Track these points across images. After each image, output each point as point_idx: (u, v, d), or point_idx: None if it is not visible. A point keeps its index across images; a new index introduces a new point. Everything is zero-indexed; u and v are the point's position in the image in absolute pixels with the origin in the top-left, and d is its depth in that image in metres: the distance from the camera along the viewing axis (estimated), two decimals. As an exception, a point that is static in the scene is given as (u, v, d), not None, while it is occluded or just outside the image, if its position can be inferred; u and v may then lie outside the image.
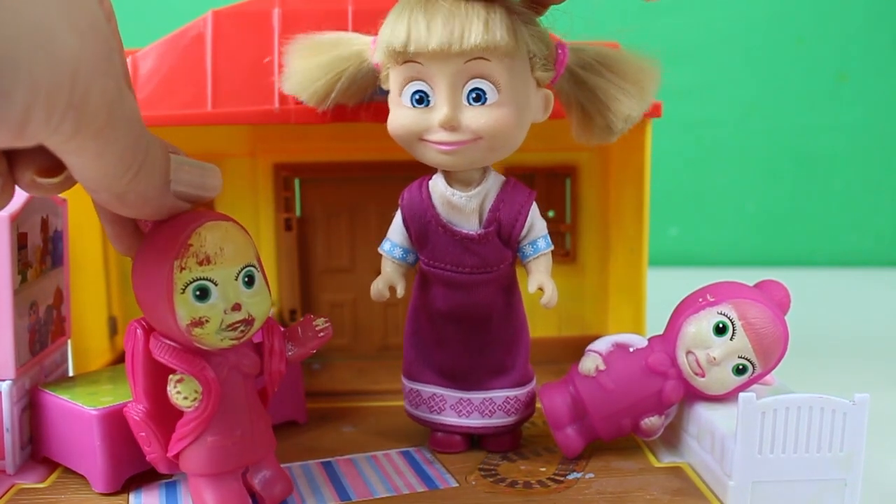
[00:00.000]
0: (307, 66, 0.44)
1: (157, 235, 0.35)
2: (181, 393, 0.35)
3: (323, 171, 0.60)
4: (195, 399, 0.35)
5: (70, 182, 0.30)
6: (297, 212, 0.61)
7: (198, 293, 0.34)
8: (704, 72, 1.07)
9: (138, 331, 0.37)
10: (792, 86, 1.09)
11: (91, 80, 0.26)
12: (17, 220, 0.41)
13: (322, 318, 0.40)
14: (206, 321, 0.34)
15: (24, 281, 0.42)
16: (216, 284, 0.34)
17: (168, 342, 0.36)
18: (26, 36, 0.23)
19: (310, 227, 0.61)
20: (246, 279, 0.35)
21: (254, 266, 0.36)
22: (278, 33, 0.50)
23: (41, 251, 0.45)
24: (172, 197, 0.32)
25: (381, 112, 0.48)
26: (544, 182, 0.61)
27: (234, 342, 0.36)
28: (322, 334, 0.40)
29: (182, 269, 0.33)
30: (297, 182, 0.61)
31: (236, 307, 0.35)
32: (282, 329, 0.39)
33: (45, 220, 0.45)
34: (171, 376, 0.36)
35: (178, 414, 0.37)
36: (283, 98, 0.50)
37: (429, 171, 0.43)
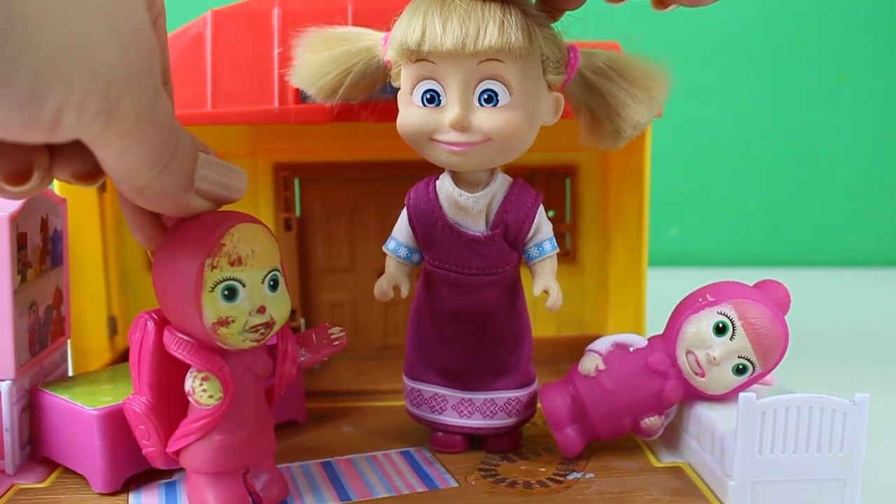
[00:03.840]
0: (316, 59, 0.44)
1: (185, 231, 0.34)
2: (207, 391, 0.35)
3: (323, 171, 0.60)
4: (219, 398, 0.36)
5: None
6: (297, 211, 0.61)
7: (226, 293, 0.34)
8: (704, 72, 1.07)
9: (149, 323, 0.37)
10: (792, 86, 1.09)
11: (125, 88, 0.26)
12: (16, 220, 0.41)
13: (338, 327, 0.41)
14: (232, 321, 0.34)
15: (24, 281, 0.42)
16: (244, 286, 0.34)
17: (185, 338, 0.35)
18: (68, 49, 0.24)
19: (309, 227, 0.61)
20: (271, 283, 0.36)
21: (278, 270, 0.36)
22: (278, 33, 0.50)
23: (41, 251, 0.44)
24: (194, 195, 0.33)
25: (382, 111, 0.48)
26: (544, 182, 0.61)
27: (254, 344, 0.36)
28: (336, 343, 0.40)
29: (213, 267, 0.34)
30: (296, 182, 0.61)
31: (261, 310, 0.35)
32: (295, 334, 0.39)
33: (45, 219, 0.45)
34: (195, 373, 0.36)
35: (181, 409, 0.37)
36: (283, 98, 0.50)
37: (429, 171, 0.43)
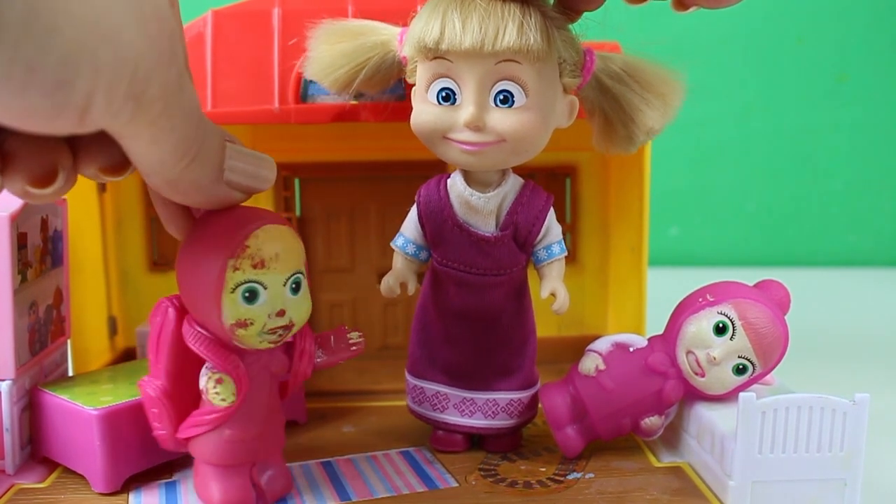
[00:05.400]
0: (331, 52, 0.43)
1: (211, 227, 0.34)
2: (220, 394, 0.36)
3: (323, 171, 0.60)
4: (231, 401, 0.36)
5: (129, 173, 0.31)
6: (297, 211, 0.61)
7: (247, 295, 0.34)
8: (704, 72, 1.07)
9: (170, 310, 0.36)
10: (792, 86, 1.09)
11: (152, 71, 0.26)
12: (17, 220, 0.41)
13: (356, 332, 0.40)
14: (251, 323, 0.34)
15: (24, 281, 0.42)
16: (265, 289, 0.34)
17: (203, 332, 0.35)
18: (92, 30, 0.23)
19: (309, 227, 0.61)
20: (293, 286, 0.35)
21: (301, 273, 0.36)
22: (278, 33, 0.50)
23: (41, 251, 0.44)
24: (225, 186, 0.32)
25: (382, 111, 0.48)
26: (544, 182, 0.61)
27: (272, 345, 0.36)
28: (354, 348, 0.40)
29: (236, 269, 0.33)
30: (296, 182, 0.61)
31: (280, 313, 0.35)
32: (314, 334, 0.39)
33: (45, 220, 0.45)
34: (210, 374, 0.36)
35: (194, 396, 0.37)
36: (283, 98, 0.50)
37: (430, 171, 0.43)
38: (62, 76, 0.23)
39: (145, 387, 0.37)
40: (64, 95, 0.23)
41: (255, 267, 0.34)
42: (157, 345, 0.37)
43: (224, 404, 0.36)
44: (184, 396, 0.38)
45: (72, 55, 0.23)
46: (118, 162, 0.30)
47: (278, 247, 0.35)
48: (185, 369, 0.37)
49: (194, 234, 0.35)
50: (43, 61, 0.23)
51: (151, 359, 0.37)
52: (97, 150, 0.29)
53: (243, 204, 0.35)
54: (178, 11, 0.32)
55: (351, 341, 0.40)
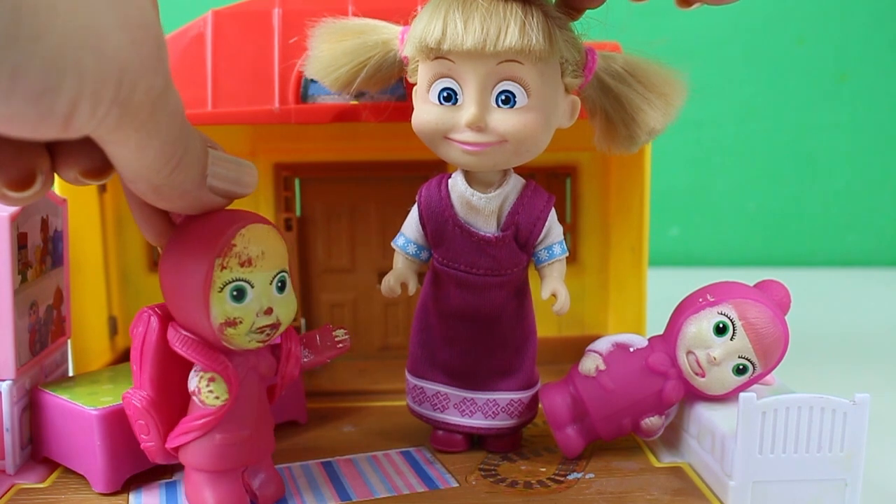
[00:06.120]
0: (332, 51, 0.43)
1: (195, 230, 0.34)
2: (213, 392, 0.35)
3: (323, 171, 0.60)
4: (224, 399, 0.36)
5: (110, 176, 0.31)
6: (298, 212, 0.61)
7: (235, 294, 0.34)
8: (704, 72, 1.07)
9: (152, 318, 0.36)
10: (792, 86, 1.09)
11: (138, 77, 0.26)
12: (17, 220, 0.41)
13: (342, 330, 0.41)
14: (239, 322, 0.34)
15: (25, 281, 0.42)
16: (252, 287, 0.34)
17: (190, 336, 0.35)
18: (77, 37, 0.24)
19: (310, 227, 0.61)
20: (279, 284, 0.36)
21: (286, 272, 0.36)
22: (278, 33, 0.50)
23: (41, 251, 0.45)
24: (207, 192, 0.32)
25: (383, 111, 0.48)
26: (544, 182, 0.61)
27: (260, 345, 0.36)
28: (340, 346, 0.40)
29: (223, 268, 0.34)
30: (297, 182, 0.61)
31: (268, 311, 0.35)
32: (299, 335, 0.39)
33: (45, 220, 0.45)
34: (202, 373, 0.36)
35: (181, 405, 0.37)
36: (284, 98, 0.50)
37: (430, 172, 0.43)
38: (47, 83, 0.23)
39: (130, 398, 0.37)
40: (48, 102, 0.24)
41: (242, 265, 0.34)
42: (141, 355, 0.37)
43: (218, 402, 0.36)
44: (170, 406, 0.37)
45: (56, 62, 0.23)
46: (99, 166, 0.30)
47: (263, 245, 0.35)
48: (169, 378, 0.37)
49: (177, 238, 0.35)
50: (27, 68, 0.23)
51: (135, 370, 0.37)
52: (78, 154, 0.29)
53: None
54: (157, 14, 0.32)
55: (337, 339, 0.40)
